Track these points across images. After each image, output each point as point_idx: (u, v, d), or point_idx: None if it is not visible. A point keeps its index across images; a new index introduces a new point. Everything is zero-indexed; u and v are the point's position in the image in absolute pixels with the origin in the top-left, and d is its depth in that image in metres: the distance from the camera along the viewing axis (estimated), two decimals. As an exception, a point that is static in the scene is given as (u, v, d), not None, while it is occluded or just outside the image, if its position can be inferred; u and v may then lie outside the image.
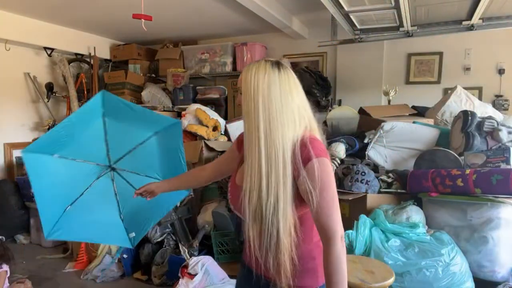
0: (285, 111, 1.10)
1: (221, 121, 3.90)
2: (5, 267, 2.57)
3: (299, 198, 1.13)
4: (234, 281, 1.61)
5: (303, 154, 1.09)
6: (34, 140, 4.54)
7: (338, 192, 2.75)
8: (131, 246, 2.02)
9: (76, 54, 4.82)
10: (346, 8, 2.96)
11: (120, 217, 1.99)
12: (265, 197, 1.10)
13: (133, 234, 1.95)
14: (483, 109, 3.18)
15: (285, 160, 1.09)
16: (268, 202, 1.10)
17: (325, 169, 1.09)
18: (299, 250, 1.16)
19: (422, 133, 3.03)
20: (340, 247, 1.08)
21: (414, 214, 2.52)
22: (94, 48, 4.84)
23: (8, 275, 2.60)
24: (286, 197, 1.10)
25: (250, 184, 1.12)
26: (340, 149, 3.07)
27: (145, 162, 2.00)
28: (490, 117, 2.78)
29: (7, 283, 2.60)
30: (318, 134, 1.18)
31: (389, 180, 2.84)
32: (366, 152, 3.07)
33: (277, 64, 1.18)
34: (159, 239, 3.19)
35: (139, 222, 2.00)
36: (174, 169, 1.96)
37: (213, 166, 1.54)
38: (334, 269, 1.08)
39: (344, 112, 3.63)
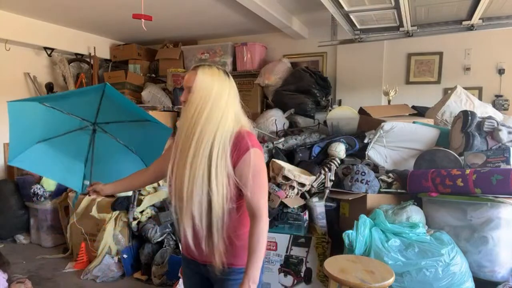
0: (226, 112, 1.30)
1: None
2: (2, 274, 2.60)
3: (238, 189, 1.30)
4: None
5: (242, 145, 1.28)
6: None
7: (338, 192, 2.79)
8: (80, 191, 2.14)
9: (76, 54, 4.82)
10: (346, 8, 2.96)
11: (84, 165, 2.12)
12: (200, 186, 1.26)
13: (87, 182, 2.04)
14: (483, 109, 3.17)
15: (219, 153, 1.27)
16: (203, 191, 1.26)
17: (259, 158, 1.31)
18: (236, 230, 1.36)
19: (422, 133, 3.03)
20: (264, 224, 1.29)
21: (414, 214, 2.52)
22: (94, 48, 4.85)
23: (7, 278, 2.62)
24: (220, 185, 1.26)
25: (181, 172, 1.28)
26: (340, 149, 3.07)
27: (128, 135, 2.13)
28: (490, 117, 2.78)
29: (5, 284, 2.60)
30: (250, 129, 1.39)
31: (389, 180, 2.84)
32: (366, 152, 3.07)
33: (227, 73, 1.40)
34: (159, 239, 3.19)
35: (102, 175, 2.07)
36: (151, 157, 2.04)
37: (154, 166, 1.64)
38: (257, 240, 1.27)
39: (344, 112, 3.63)
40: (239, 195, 1.33)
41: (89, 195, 1.77)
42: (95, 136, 2.06)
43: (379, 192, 2.79)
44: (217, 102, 1.30)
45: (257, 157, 1.30)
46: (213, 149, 1.26)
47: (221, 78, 1.35)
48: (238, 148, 1.28)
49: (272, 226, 2.82)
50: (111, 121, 2.09)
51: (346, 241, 2.37)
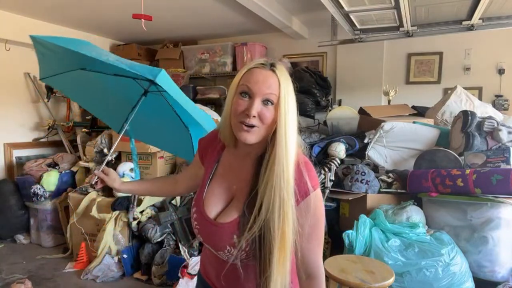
0: (295, 126, 0.97)
1: (221, 121, 3.89)
2: None
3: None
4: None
5: (301, 185, 0.96)
6: (34, 139, 4.54)
7: (338, 192, 2.79)
8: (117, 130, 1.86)
9: (76, 54, 4.82)
10: (346, 8, 2.96)
11: (130, 111, 1.74)
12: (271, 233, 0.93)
13: (128, 127, 1.76)
14: (483, 109, 3.18)
15: (289, 187, 0.94)
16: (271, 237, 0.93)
17: (320, 205, 1.00)
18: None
19: (422, 133, 3.03)
20: (324, 283, 1.02)
21: (414, 214, 2.52)
22: (94, 48, 4.84)
23: None
24: (288, 228, 0.93)
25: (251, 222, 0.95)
26: (340, 149, 3.07)
27: (182, 112, 1.75)
28: (490, 117, 2.78)
29: None
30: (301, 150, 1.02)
31: (389, 180, 2.84)
32: (366, 152, 3.07)
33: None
34: (159, 239, 3.19)
35: (142, 131, 1.94)
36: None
37: (185, 181, 1.36)
38: None
39: (344, 112, 3.63)
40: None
41: (94, 184, 1.44)
42: (147, 94, 1.71)
43: (379, 192, 2.79)
44: (293, 118, 0.97)
45: (318, 204, 0.99)
46: (284, 185, 0.93)
47: (289, 80, 0.99)
48: (297, 190, 0.96)
49: (272, 226, 2.82)
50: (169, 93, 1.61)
51: (346, 241, 2.37)
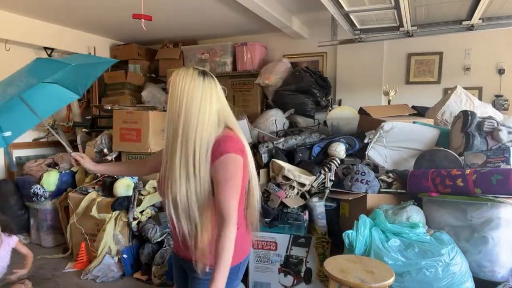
0: (202, 114, 1.30)
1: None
2: (13, 239, 2.64)
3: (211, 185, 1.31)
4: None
5: (215, 151, 1.29)
6: (34, 139, 4.54)
7: (338, 192, 2.79)
8: (4, 145, 1.89)
9: (76, 54, 4.82)
10: (346, 8, 2.96)
11: None
12: (179, 187, 1.29)
13: (9, 133, 1.81)
14: (483, 109, 3.17)
15: (197, 156, 1.28)
16: (182, 192, 1.29)
17: (229, 163, 1.28)
18: (212, 234, 1.32)
19: (422, 133, 3.03)
20: (231, 228, 1.23)
21: (414, 214, 2.52)
22: (94, 48, 4.84)
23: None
24: (198, 188, 1.29)
25: (167, 173, 1.33)
26: (340, 149, 3.07)
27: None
28: (490, 117, 2.78)
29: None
30: (237, 132, 1.38)
31: (389, 180, 2.84)
32: (366, 152, 3.07)
33: (203, 73, 1.35)
34: (159, 239, 3.19)
35: (17, 121, 1.86)
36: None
37: (153, 164, 1.69)
38: (222, 246, 1.22)
39: (344, 112, 3.63)
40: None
41: (73, 163, 1.80)
42: None
43: (379, 192, 2.79)
44: (189, 106, 1.29)
45: (226, 161, 1.29)
46: (196, 153, 1.29)
47: (193, 80, 1.31)
48: (215, 153, 1.29)
49: (272, 226, 2.82)
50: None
51: (346, 241, 2.37)
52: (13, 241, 2.60)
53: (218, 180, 1.27)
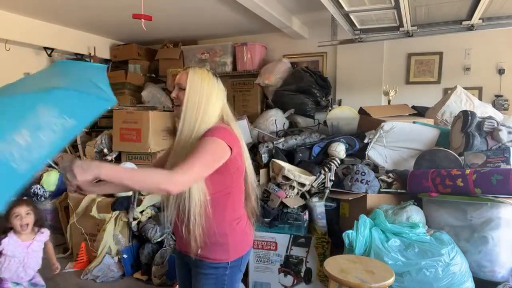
0: (212, 109, 1.43)
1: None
2: (47, 232, 2.45)
3: (211, 179, 1.35)
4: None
5: (203, 135, 1.37)
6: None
7: (338, 192, 2.80)
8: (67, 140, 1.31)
9: (76, 54, 4.82)
10: (346, 8, 2.96)
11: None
12: None
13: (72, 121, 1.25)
14: (483, 109, 3.17)
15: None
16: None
17: (210, 143, 1.33)
18: (212, 226, 1.40)
19: (422, 133, 3.03)
20: (177, 177, 1.20)
21: (414, 214, 2.52)
22: (94, 48, 4.84)
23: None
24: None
25: (174, 161, 1.38)
26: (340, 149, 3.07)
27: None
28: (490, 117, 2.78)
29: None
30: (233, 126, 1.48)
31: (389, 180, 2.84)
32: (366, 152, 3.07)
33: (215, 76, 1.51)
34: (159, 239, 3.19)
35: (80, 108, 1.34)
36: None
37: (160, 163, 1.66)
38: (148, 174, 1.24)
39: (344, 112, 3.63)
40: (212, 186, 1.38)
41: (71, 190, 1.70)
42: None
43: (379, 192, 2.79)
44: (208, 102, 1.42)
45: (206, 140, 1.34)
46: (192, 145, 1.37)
47: (210, 79, 1.46)
48: (202, 136, 1.38)
49: (272, 226, 2.82)
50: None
51: (346, 241, 2.37)
52: (46, 235, 2.43)
53: (193, 152, 1.29)
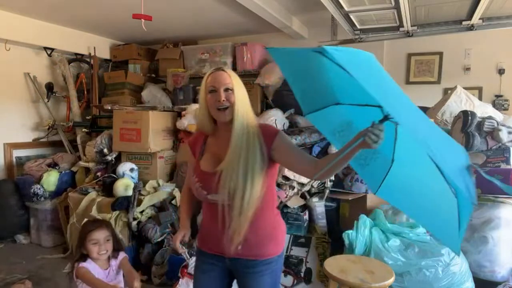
0: (247, 103, 1.46)
1: (221, 121, 3.89)
2: (122, 253, 2.15)
3: (270, 171, 1.42)
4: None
5: (267, 133, 1.42)
6: (34, 139, 4.54)
7: (338, 192, 2.81)
8: (458, 252, 1.27)
9: (76, 54, 4.82)
10: (346, 8, 2.96)
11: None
12: (242, 173, 1.35)
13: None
14: (483, 109, 3.18)
15: (254, 141, 1.39)
16: (242, 178, 1.34)
17: (285, 137, 1.44)
18: (265, 218, 1.44)
19: (422, 133, 3.02)
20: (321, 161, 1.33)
21: (414, 214, 2.51)
22: (94, 48, 4.84)
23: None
24: (256, 171, 1.36)
25: (230, 164, 1.37)
26: (340, 149, 3.07)
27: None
28: (490, 117, 2.78)
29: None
30: None
31: (389, 180, 2.84)
32: (366, 152, 3.07)
33: None
34: (159, 239, 3.19)
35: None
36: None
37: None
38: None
39: (344, 112, 3.63)
40: (268, 178, 1.41)
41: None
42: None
43: (379, 192, 2.79)
44: (248, 100, 1.46)
45: (285, 135, 1.46)
46: (252, 140, 1.39)
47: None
48: (269, 134, 1.42)
49: (272, 226, 2.82)
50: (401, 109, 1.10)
51: (346, 241, 2.37)
52: (120, 257, 2.11)
53: (293, 148, 1.42)
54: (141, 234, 3.23)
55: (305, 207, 2.87)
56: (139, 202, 3.29)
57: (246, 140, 1.37)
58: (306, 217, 2.81)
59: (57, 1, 3.60)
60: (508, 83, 3.91)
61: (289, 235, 2.78)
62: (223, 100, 1.38)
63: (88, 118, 4.58)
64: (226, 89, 1.40)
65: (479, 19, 3.16)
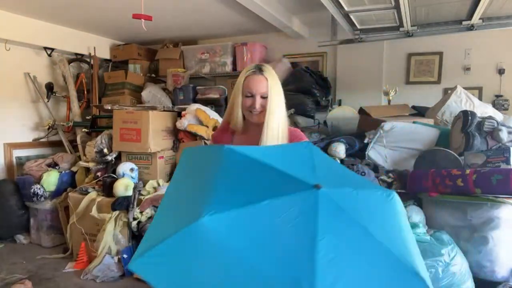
0: (282, 106, 1.50)
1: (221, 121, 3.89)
2: None
3: None
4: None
5: (296, 138, 1.50)
6: (34, 139, 4.54)
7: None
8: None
9: (76, 54, 4.82)
10: (346, 8, 2.96)
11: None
12: None
13: None
14: (483, 109, 3.18)
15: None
16: None
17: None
18: None
19: (422, 133, 3.03)
20: None
21: (414, 214, 2.52)
22: (94, 48, 4.84)
23: None
24: None
25: None
26: (340, 149, 3.07)
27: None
28: (490, 117, 2.78)
29: None
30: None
31: (389, 180, 2.84)
32: (366, 152, 3.07)
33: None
34: (159, 239, 3.19)
35: None
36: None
37: None
38: None
39: (344, 112, 3.64)
40: None
41: None
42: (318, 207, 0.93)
43: (379, 192, 2.79)
44: (284, 104, 1.50)
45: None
46: (280, 143, 1.45)
47: (278, 80, 1.50)
48: (296, 140, 1.49)
49: (272, 226, 2.82)
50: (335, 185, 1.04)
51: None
52: None
53: None
54: (141, 234, 3.23)
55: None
56: (139, 202, 3.29)
57: (275, 143, 1.42)
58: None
59: (57, 1, 3.60)
60: (508, 83, 3.91)
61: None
62: (258, 107, 1.45)
63: (88, 118, 4.58)
64: (263, 97, 1.45)
65: (479, 19, 3.16)
